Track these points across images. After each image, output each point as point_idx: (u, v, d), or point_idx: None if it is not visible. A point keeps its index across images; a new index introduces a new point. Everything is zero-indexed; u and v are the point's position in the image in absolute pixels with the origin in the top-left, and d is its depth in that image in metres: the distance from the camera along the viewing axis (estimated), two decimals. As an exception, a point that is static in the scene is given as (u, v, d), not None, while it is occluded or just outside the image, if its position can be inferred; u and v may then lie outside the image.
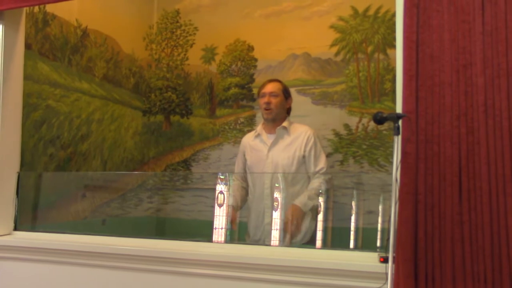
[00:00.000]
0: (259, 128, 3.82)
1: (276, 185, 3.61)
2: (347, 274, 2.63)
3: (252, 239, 3.68)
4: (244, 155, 3.82)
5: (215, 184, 4.04)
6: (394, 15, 2.81)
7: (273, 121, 3.72)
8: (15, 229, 3.63)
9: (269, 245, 3.53)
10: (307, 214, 3.57)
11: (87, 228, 4.43)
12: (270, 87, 3.73)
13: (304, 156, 3.64)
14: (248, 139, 3.86)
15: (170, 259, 3.05)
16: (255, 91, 5.15)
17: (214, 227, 3.62)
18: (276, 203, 3.60)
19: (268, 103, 3.67)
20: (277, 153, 3.62)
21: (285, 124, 3.70)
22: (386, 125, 4.05)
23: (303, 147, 3.64)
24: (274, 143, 3.69)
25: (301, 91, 4.99)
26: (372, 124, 4.61)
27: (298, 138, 3.68)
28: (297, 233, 3.50)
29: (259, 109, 5.05)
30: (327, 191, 3.70)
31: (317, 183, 3.62)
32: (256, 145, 3.76)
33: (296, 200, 3.53)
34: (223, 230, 3.64)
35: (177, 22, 5.59)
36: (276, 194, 3.61)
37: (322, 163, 3.65)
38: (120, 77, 5.18)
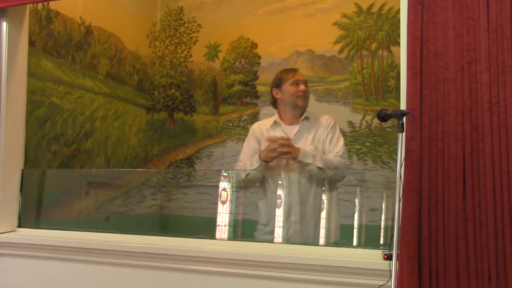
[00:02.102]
0: (277, 117, 3.58)
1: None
2: (351, 271, 2.63)
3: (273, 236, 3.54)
4: (259, 144, 3.55)
5: (219, 182, 4.03)
6: (398, 12, 2.81)
7: (305, 110, 3.55)
8: (19, 226, 3.64)
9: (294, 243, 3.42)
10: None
11: (91, 225, 4.44)
12: (301, 75, 3.59)
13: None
14: (263, 127, 3.59)
15: (173, 256, 3.06)
16: (258, 88, 5.15)
17: (218, 224, 3.61)
18: (280, 200, 3.56)
19: (305, 91, 3.51)
20: (303, 147, 3.42)
21: (307, 115, 3.55)
22: (389, 122, 4.04)
23: (322, 135, 3.51)
24: (299, 136, 3.49)
25: (304, 88, 4.98)
26: (375, 121, 4.60)
27: (319, 128, 3.54)
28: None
29: (262, 106, 5.06)
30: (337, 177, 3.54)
31: (331, 157, 3.45)
32: (276, 136, 3.47)
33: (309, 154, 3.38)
34: (227, 227, 3.63)
35: (181, 19, 5.59)
36: (279, 191, 3.56)
37: (340, 146, 3.50)
38: (124, 74, 5.18)
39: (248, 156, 3.53)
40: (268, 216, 3.49)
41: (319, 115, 3.61)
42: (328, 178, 3.47)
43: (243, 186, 3.64)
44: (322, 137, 3.50)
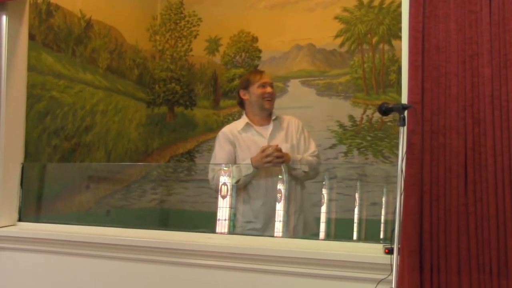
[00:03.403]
0: (246, 120, 3.65)
1: (280, 176, 3.58)
2: (352, 265, 2.63)
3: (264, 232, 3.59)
4: (233, 147, 3.61)
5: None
6: (399, 5, 2.81)
7: (271, 111, 3.65)
8: (20, 220, 3.64)
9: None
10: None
11: (91, 219, 4.43)
12: (268, 77, 3.69)
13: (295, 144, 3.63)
14: (234, 130, 3.65)
15: (173, 250, 3.06)
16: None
17: (218, 218, 3.61)
18: (280, 195, 3.58)
19: (271, 94, 3.61)
20: (279, 144, 3.50)
21: (276, 115, 3.65)
22: (390, 116, 4.02)
23: (294, 135, 3.63)
24: (272, 135, 3.59)
25: (305, 82, 4.98)
26: (376, 115, 4.60)
27: (289, 127, 3.66)
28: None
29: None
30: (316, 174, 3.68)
31: (310, 158, 3.58)
32: (249, 138, 3.60)
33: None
34: (227, 221, 3.63)
35: (181, 13, 5.57)
36: (280, 186, 3.59)
37: (313, 146, 3.64)
38: (124, 68, 5.17)
39: (224, 160, 3.59)
40: (254, 214, 3.55)
41: (286, 116, 3.72)
42: (304, 177, 3.60)
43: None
44: (296, 137, 3.62)
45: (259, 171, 3.48)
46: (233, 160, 3.59)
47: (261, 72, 3.75)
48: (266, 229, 3.50)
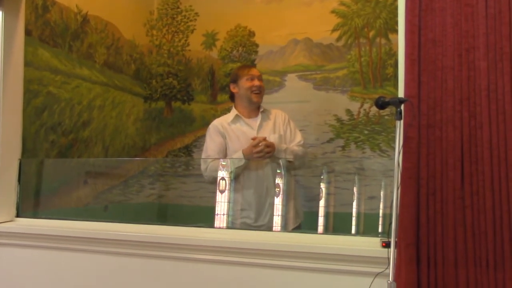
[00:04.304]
0: (236, 112, 3.76)
1: (278, 171, 3.63)
2: (349, 259, 2.64)
3: (256, 224, 3.64)
4: (224, 139, 3.71)
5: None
6: (396, -1, 2.79)
7: (260, 104, 3.77)
8: (17, 215, 3.64)
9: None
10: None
11: (89, 215, 4.44)
12: (256, 71, 3.81)
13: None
14: (224, 122, 3.76)
15: (172, 245, 3.06)
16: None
17: (216, 213, 3.62)
18: (278, 189, 3.62)
19: (259, 87, 3.71)
20: (268, 135, 3.62)
21: (264, 108, 3.78)
22: (388, 110, 4.04)
23: (282, 126, 3.74)
24: (260, 127, 3.71)
25: (302, 77, 4.97)
26: (374, 109, 4.60)
27: (276, 119, 3.77)
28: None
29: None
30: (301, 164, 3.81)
31: (296, 148, 3.69)
32: (238, 129, 3.70)
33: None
34: (225, 216, 3.64)
35: (178, 7, 5.56)
36: (277, 180, 3.64)
37: (299, 137, 3.76)
38: (121, 63, 5.17)
39: (216, 152, 3.69)
40: (248, 201, 3.64)
41: (272, 109, 3.86)
42: (289, 166, 3.69)
43: (215, 182, 3.73)
44: (283, 128, 3.73)
45: (249, 162, 3.60)
46: (224, 152, 3.70)
47: (249, 66, 3.92)
48: (258, 216, 3.61)
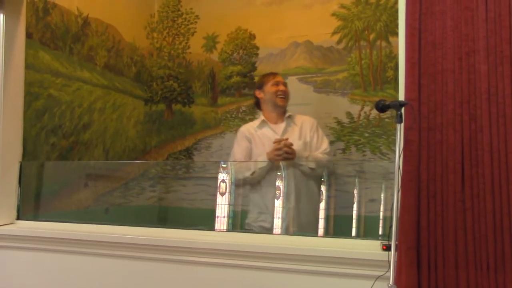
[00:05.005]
0: (262, 118, 3.87)
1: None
2: (349, 262, 2.63)
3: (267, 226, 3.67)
4: (250, 143, 3.83)
5: (217, 173, 4.04)
6: (396, 2, 2.81)
7: (285, 109, 3.85)
8: (18, 218, 3.64)
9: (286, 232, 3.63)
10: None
11: (90, 217, 4.44)
12: (281, 78, 3.94)
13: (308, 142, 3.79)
14: (250, 128, 3.88)
15: (172, 248, 3.06)
16: (257, 79, 5.13)
17: (217, 215, 3.62)
18: (278, 192, 3.64)
19: (284, 91, 3.82)
20: (292, 141, 3.66)
21: (290, 113, 3.85)
22: (388, 113, 4.02)
23: (308, 133, 3.80)
24: (285, 132, 3.78)
25: (303, 79, 4.98)
26: (374, 112, 4.60)
27: (303, 125, 3.84)
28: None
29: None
30: (329, 176, 3.86)
31: (320, 155, 3.75)
32: (264, 134, 3.79)
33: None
34: (226, 218, 3.64)
35: (179, 10, 5.57)
36: (278, 183, 3.66)
37: (325, 144, 3.82)
38: (122, 66, 5.17)
39: (242, 156, 3.81)
40: (266, 204, 3.69)
41: (301, 115, 3.93)
42: (310, 173, 3.73)
43: (241, 184, 3.87)
44: (309, 135, 3.80)
45: (272, 165, 3.67)
46: (250, 156, 3.81)
47: (274, 74, 3.98)
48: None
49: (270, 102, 3.83)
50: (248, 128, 3.90)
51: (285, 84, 3.88)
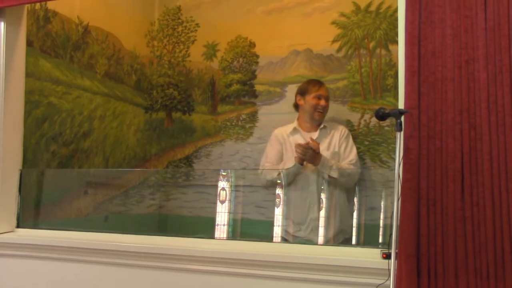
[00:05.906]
0: (296, 124, 3.88)
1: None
2: (349, 270, 2.63)
3: (294, 234, 3.68)
4: (282, 147, 3.84)
5: (217, 181, 4.04)
6: (396, 10, 2.82)
7: (320, 122, 3.85)
8: (18, 226, 3.64)
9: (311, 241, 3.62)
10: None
11: (90, 225, 4.43)
12: (325, 90, 3.88)
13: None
14: (284, 133, 3.88)
15: (172, 256, 3.06)
16: (257, 87, 5.15)
17: (217, 223, 3.62)
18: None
19: (324, 107, 3.82)
20: (321, 151, 3.64)
21: (325, 124, 3.86)
22: (388, 121, 4.04)
23: (337, 142, 3.80)
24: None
25: (303, 87, 4.97)
26: (374, 120, 4.60)
27: (334, 134, 3.84)
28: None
29: (261, 105, 5.06)
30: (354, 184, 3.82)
31: (346, 165, 3.72)
32: (295, 141, 3.75)
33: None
34: (226, 226, 3.64)
35: (179, 18, 5.58)
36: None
37: (353, 155, 3.78)
38: (122, 74, 5.18)
39: (274, 157, 3.82)
40: (302, 214, 3.68)
41: (335, 124, 3.93)
42: (333, 183, 3.69)
43: (269, 185, 3.85)
44: (338, 144, 3.79)
45: (298, 171, 3.64)
46: (281, 159, 3.82)
47: (320, 84, 3.92)
48: (299, 228, 3.67)
49: (308, 113, 3.83)
50: (282, 132, 3.90)
51: (327, 99, 3.85)
